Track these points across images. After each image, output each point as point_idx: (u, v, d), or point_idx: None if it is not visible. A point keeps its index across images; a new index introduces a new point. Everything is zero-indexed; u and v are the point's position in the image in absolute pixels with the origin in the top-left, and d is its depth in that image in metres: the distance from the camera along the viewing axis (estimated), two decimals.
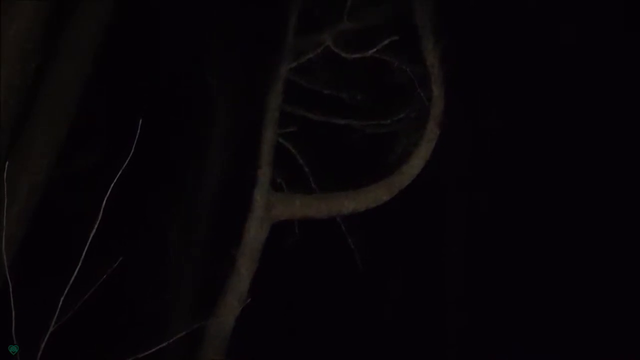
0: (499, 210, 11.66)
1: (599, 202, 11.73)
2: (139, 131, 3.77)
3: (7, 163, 4.47)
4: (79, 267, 3.48)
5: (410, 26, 7.57)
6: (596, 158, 11.57)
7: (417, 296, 12.28)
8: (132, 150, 3.61)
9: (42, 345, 3.46)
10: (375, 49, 7.37)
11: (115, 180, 3.50)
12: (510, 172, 11.50)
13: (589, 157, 11.62)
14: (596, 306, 11.48)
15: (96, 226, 3.61)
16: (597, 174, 11.57)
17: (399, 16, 7.59)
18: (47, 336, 3.47)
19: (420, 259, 12.12)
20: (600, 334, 10.96)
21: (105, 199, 3.52)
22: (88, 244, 3.57)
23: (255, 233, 7.11)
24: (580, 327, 11.21)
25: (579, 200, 11.84)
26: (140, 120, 3.74)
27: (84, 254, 3.53)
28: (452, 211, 12.51)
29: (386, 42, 7.31)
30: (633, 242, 11.44)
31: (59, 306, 3.43)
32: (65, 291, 3.45)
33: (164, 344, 3.80)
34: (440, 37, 7.46)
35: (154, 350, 3.73)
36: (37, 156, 5.46)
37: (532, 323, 11.80)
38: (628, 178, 11.54)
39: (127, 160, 3.54)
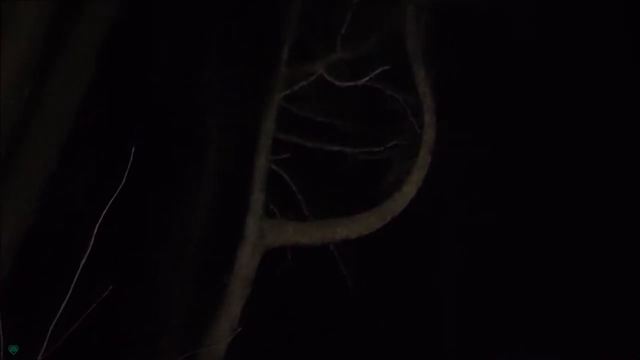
0: (492, 234, 11.69)
1: (590, 217, 11.81)
2: (131, 159, 3.79)
3: None
4: (68, 295, 3.47)
5: (402, 55, 7.70)
6: (586, 177, 11.66)
7: (410, 321, 12.23)
8: (124, 179, 3.62)
9: None
10: (367, 78, 7.46)
11: (106, 209, 3.50)
12: (502, 195, 11.58)
13: (580, 176, 11.72)
14: (591, 325, 11.49)
15: (87, 254, 3.61)
16: (587, 191, 11.68)
17: (390, 45, 7.72)
18: None
19: (413, 285, 12.09)
20: (594, 349, 10.96)
21: (97, 227, 3.52)
22: (78, 272, 3.56)
23: (247, 260, 7.12)
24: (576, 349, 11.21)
25: (570, 220, 11.92)
26: (133, 148, 3.76)
27: (74, 282, 3.52)
28: (444, 236, 12.53)
29: (378, 71, 7.40)
30: (620, 262, 11.54)
31: (48, 334, 3.42)
32: (55, 319, 3.44)
33: None
34: (431, 66, 7.58)
35: None
36: (27, 184, 5.45)
37: (527, 345, 11.78)
38: (620, 198, 11.65)
39: (119, 189, 3.56)
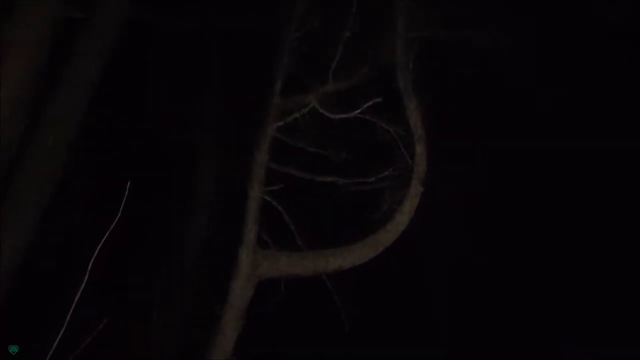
0: (484, 267, 11.70)
1: (585, 251, 11.85)
2: (126, 193, 3.81)
3: None
4: (62, 330, 3.46)
5: (394, 87, 7.81)
6: (582, 209, 11.73)
7: (404, 352, 12.15)
8: (119, 213, 3.65)
9: None
10: (359, 110, 7.55)
11: (100, 244, 3.52)
12: (496, 228, 11.62)
13: (575, 209, 11.79)
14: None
15: (82, 288, 3.62)
16: (582, 223, 11.73)
17: (382, 77, 7.83)
18: None
19: (405, 315, 12.05)
20: None
21: (91, 261, 3.53)
22: (73, 306, 3.56)
23: (240, 291, 7.08)
24: None
25: (562, 251, 11.96)
26: (129, 183, 3.79)
27: (68, 317, 3.52)
28: (437, 267, 12.52)
29: (370, 103, 7.50)
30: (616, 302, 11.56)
31: None
32: (49, 354, 3.43)
33: None
34: (422, 97, 7.69)
35: None
36: (21, 218, 5.44)
37: None
38: (616, 228, 11.72)
39: (114, 223, 3.58)
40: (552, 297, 12.09)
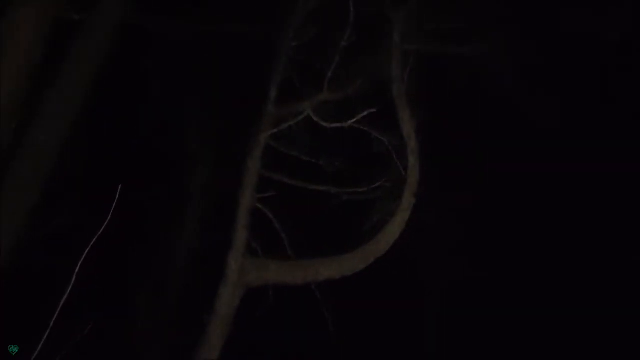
0: (476, 279, 11.69)
1: (580, 266, 11.88)
2: (117, 197, 3.78)
3: None
4: (47, 334, 3.42)
5: (388, 98, 7.83)
6: (575, 225, 11.76)
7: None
8: (109, 217, 3.62)
9: None
10: (353, 120, 7.56)
11: (87, 249, 3.49)
12: (488, 242, 11.62)
13: (569, 223, 11.82)
14: None
15: (68, 292, 3.58)
16: (575, 239, 11.76)
17: (377, 88, 7.85)
18: None
19: (395, 328, 12.01)
20: None
21: (78, 265, 3.50)
22: (58, 310, 3.52)
23: (228, 299, 7.03)
24: None
25: (557, 263, 11.99)
26: (120, 186, 3.77)
27: (52, 321, 3.48)
28: (428, 279, 12.50)
29: (364, 113, 7.51)
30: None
31: None
32: (34, 357, 3.39)
33: None
34: (416, 109, 7.71)
35: None
36: (9, 217, 5.39)
37: None
38: (611, 244, 11.75)
39: (103, 227, 3.55)
40: (549, 315, 12.08)
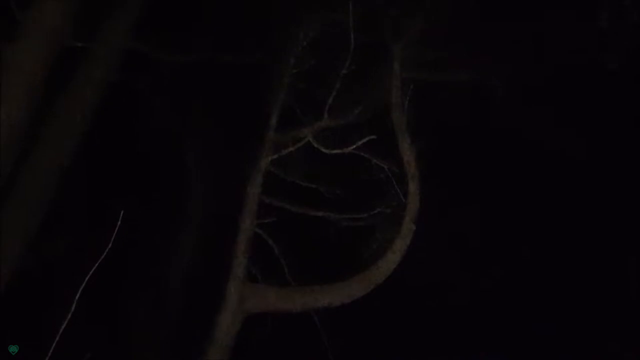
0: (476, 308, 11.63)
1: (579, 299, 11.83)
2: (119, 224, 3.79)
3: None
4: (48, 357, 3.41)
5: (388, 125, 7.88)
6: (573, 242, 11.73)
7: None
8: (110, 243, 3.62)
9: None
10: (353, 147, 7.59)
11: (88, 277, 3.48)
12: (489, 269, 11.59)
13: (571, 249, 11.79)
14: None
15: (67, 318, 3.56)
16: (574, 252, 11.72)
17: (376, 115, 7.90)
18: None
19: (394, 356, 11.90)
20: None
21: (79, 291, 3.49)
22: (59, 335, 3.50)
23: (227, 326, 6.97)
24: None
25: (557, 286, 11.92)
26: (122, 213, 3.77)
27: (53, 346, 3.46)
28: (427, 305, 12.43)
29: (364, 140, 7.54)
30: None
31: None
32: None
33: None
34: (416, 136, 7.75)
35: None
36: (9, 242, 5.38)
37: None
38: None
39: (104, 254, 3.55)
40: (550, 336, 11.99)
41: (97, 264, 3.66)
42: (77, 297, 3.54)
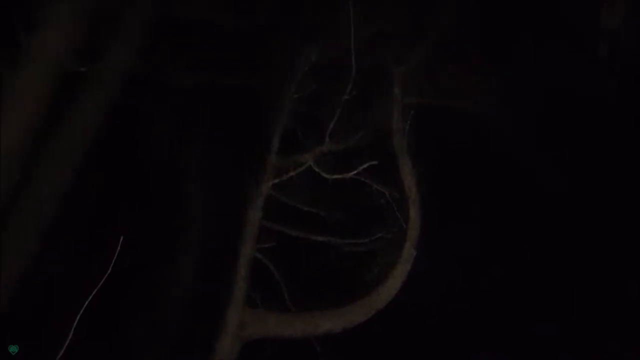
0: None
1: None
2: (119, 248, 3.78)
3: None
4: None
5: (389, 150, 7.90)
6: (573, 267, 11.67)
7: None
8: (110, 269, 3.60)
9: None
10: (355, 172, 7.60)
11: (87, 302, 3.46)
12: (490, 292, 11.51)
13: (567, 267, 11.73)
14: None
15: (66, 344, 3.54)
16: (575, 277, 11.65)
17: (378, 140, 7.93)
18: None
19: None
20: None
21: (77, 317, 3.46)
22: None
23: (226, 352, 6.90)
24: None
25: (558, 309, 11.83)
26: (122, 238, 3.76)
27: None
28: (430, 331, 12.32)
29: (365, 165, 7.55)
30: None
31: None
32: None
33: None
34: (417, 161, 7.76)
35: None
36: (9, 264, 5.36)
37: None
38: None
39: (103, 279, 3.52)
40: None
41: (95, 290, 3.64)
42: (75, 324, 3.52)
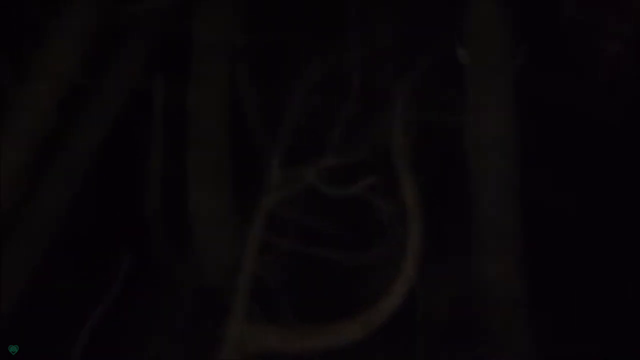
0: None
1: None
2: (123, 266, 3.79)
3: None
4: None
5: (391, 166, 7.92)
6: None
7: None
8: (115, 288, 3.61)
9: None
10: (356, 188, 7.61)
11: (91, 321, 3.46)
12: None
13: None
14: None
15: None
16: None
17: (379, 156, 7.95)
18: None
19: None
20: None
21: (80, 341, 3.46)
22: None
23: None
24: None
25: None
26: (128, 256, 3.78)
27: None
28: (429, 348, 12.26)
29: (367, 181, 7.57)
30: None
31: None
32: None
33: None
34: (420, 178, 7.77)
35: None
36: (8, 283, 5.35)
37: None
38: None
39: (108, 300, 3.53)
40: None
41: (98, 309, 3.64)
42: (81, 339, 3.51)
